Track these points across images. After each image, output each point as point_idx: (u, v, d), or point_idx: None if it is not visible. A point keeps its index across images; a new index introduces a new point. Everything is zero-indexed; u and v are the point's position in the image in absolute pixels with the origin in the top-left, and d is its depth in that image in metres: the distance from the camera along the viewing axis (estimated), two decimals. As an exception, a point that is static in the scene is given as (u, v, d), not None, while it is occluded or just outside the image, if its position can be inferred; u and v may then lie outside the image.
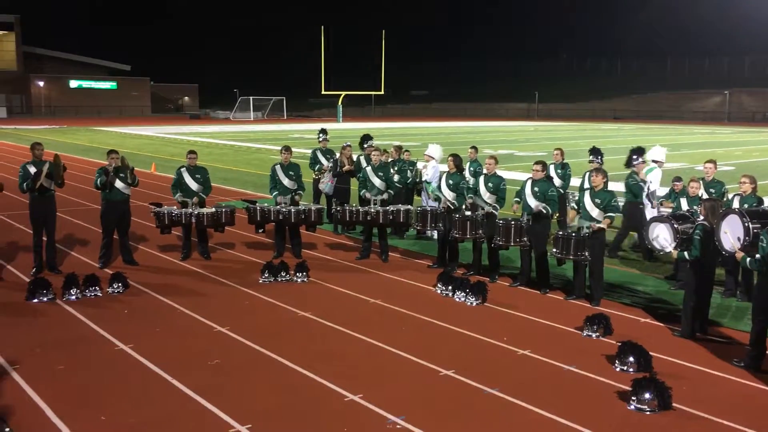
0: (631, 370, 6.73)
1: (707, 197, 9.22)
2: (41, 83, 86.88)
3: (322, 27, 70.28)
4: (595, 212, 9.02)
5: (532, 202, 9.59)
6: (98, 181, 10.41)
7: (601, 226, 8.92)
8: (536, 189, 9.61)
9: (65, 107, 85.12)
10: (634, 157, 11.50)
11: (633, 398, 5.98)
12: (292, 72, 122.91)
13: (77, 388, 6.33)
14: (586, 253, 8.86)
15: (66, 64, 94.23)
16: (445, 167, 11.24)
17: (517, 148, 36.49)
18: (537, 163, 9.81)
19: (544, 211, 9.53)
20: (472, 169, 12.41)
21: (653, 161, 12.31)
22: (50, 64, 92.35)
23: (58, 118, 76.81)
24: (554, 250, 9.12)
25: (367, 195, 11.30)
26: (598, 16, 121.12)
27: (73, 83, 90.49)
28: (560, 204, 12.52)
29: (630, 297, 9.40)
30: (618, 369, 6.81)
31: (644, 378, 6.07)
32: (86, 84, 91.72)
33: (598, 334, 7.77)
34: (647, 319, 8.51)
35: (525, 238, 9.57)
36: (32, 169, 10.00)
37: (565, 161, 12.95)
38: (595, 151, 12.28)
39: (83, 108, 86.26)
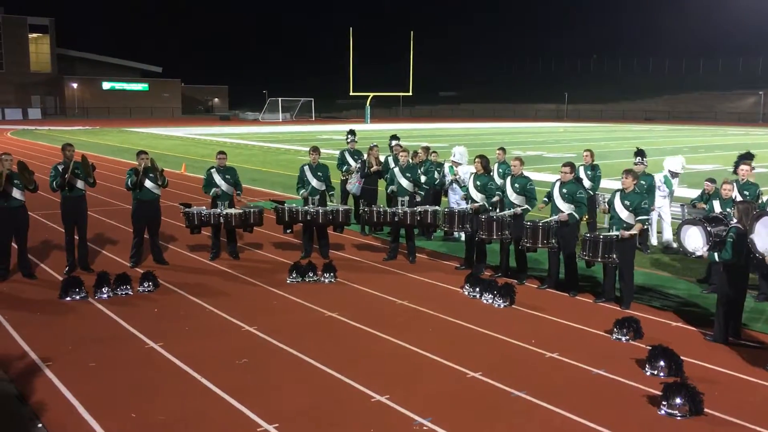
0: (661, 374, 6.63)
1: (741, 199, 9.05)
2: (75, 85, 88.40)
3: (351, 28, 70.52)
4: (624, 214, 8.91)
5: (562, 205, 9.51)
6: (129, 182, 10.57)
7: (632, 232, 8.82)
8: (564, 191, 9.52)
9: (98, 108, 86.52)
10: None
11: (663, 403, 5.89)
12: (321, 73, 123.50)
13: (108, 385, 6.41)
14: (614, 256, 8.75)
15: (99, 66, 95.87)
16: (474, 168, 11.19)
17: (546, 150, 36.22)
18: (565, 165, 9.71)
19: (571, 221, 9.45)
20: (500, 170, 12.32)
21: (670, 171, 12.27)
22: (83, 66, 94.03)
23: (90, 119, 78.11)
24: (582, 252, 9.01)
25: (392, 188, 11.35)
26: (630, 16, 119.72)
27: (106, 85, 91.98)
28: (589, 206, 12.41)
29: (661, 300, 9.27)
30: (648, 373, 6.71)
31: (675, 383, 5.98)
32: (118, 86, 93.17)
33: (628, 337, 7.67)
34: (678, 322, 8.38)
35: (553, 240, 9.48)
36: (62, 169, 10.19)
37: (595, 163, 12.81)
38: (640, 153, 12.02)
39: (115, 109, 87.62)
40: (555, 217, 9.52)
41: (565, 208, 9.50)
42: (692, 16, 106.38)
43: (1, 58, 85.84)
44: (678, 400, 5.82)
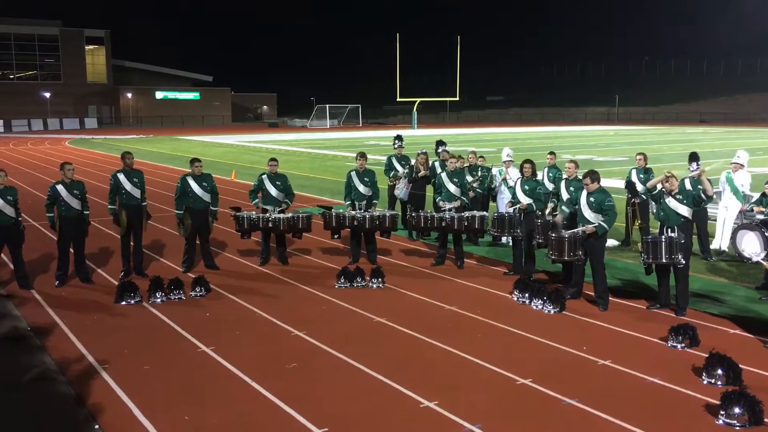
0: (719, 383, 6.44)
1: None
2: (129, 95, 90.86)
3: (397, 34, 70.70)
4: (683, 210, 8.66)
5: (589, 215, 9.01)
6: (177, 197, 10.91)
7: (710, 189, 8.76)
8: (592, 200, 8.97)
9: (151, 117, 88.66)
10: None
11: (722, 412, 5.72)
12: (368, 80, 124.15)
13: (162, 388, 6.55)
14: (680, 256, 8.47)
15: (152, 76, 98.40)
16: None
17: (597, 153, 35.62)
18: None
19: (600, 232, 8.86)
20: (550, 174, 12.17)
21: (733, 164, 11.90)
22: (137, 77, 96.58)
23: (144, 128, 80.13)
24: (644, 256, 8.71)
25: (441, 204, 11.19)
26: (682, 16, 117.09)
27: (159, 94, 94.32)
28: (642, 210, 12.16)
29: (718, 307, 9.00)
30: (705, 382, 6.53)
31: (734, 391, 5.80)
32: (171, 95, 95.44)
33: (683, 345, 7.47)
34: (736, 330, 8.13)
35: (580, 252, 9.04)
36: (121, 177, 10.49)
37: (648, 166, 12.54)
38: (694, 158, 11.59)
39: (168, 118, 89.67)
40: (580, 229, 9.02)
41: (592, 217, 8.99)
42: (748, 15, 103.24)
43: (59, 69, 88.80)
44: (737, 410, 5.64)
